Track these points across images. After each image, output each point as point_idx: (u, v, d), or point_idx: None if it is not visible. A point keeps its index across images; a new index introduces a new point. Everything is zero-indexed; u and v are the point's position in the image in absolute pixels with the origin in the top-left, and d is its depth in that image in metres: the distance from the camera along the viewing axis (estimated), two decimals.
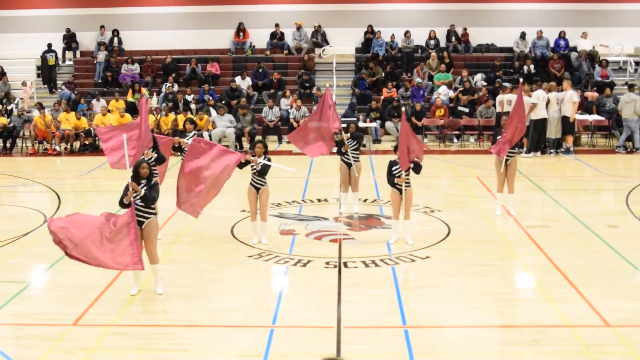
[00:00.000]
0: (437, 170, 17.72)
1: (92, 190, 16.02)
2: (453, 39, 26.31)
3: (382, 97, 23.59)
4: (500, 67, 24.83)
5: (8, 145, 21.79)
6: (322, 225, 12.46)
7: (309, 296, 9.19)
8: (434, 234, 11.89)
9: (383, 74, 24.81)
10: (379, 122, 22.44)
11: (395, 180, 11.06)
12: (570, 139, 19.97)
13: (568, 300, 8.87)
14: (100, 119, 21.53)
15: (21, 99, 24.34)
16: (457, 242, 11.49)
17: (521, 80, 16.96)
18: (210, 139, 20.68)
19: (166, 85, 24.23)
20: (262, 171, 11.13)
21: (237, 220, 12.86)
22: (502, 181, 12.98)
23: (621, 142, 20.22)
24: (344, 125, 13.20)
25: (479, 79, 24.39)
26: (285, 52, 26.68)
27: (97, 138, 21.61)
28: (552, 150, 19.96)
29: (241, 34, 26.88)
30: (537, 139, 19.67)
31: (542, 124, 19.62)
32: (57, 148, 21.26)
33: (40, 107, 21.95)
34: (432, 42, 26.18)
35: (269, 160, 11.21)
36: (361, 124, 21.47)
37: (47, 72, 25.85)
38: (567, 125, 19.80)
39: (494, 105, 21.58)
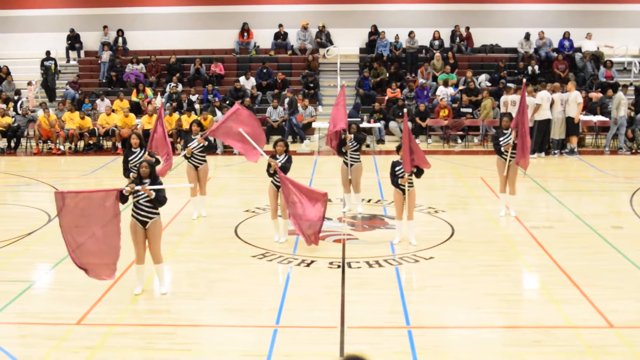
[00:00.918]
0: (441, 170, 17.72)
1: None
2: (457, 39, 26.30)
3: (386, 98, 23.60)
4: (505, 67, 24.80)
5: (12, 144, 21.83)
6: (325, 226, 12.45)
7: (313, 296, 9.19)
8: (437, 235, 11.88)
9: (387, 75, 24.81)
10: (382, 122, 22.45)
11: (399, 180, 11.06)
12: (574, 140, 19.95)
13: (571, 301, 8.86)
14: (105, 119, 21.57)
15: (26, 98, 24.37)
16: (461, 243, 11.48)
17: (524, 80, 16.96)
18: (215, 139, 20.71)
19: (170, 85, 24.25)
20: (285, 168, 11.33)
21: (241, 220, 12.87)
22: (505, 182, 12.98)
23: (621, 143, 20.29)
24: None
25: (483, 79, 24.38)
26: (289, 52, 26.70)
27: (101, 137, 21.68)
28: (556, 151, 19.94)
29: (245, 34, 26.89)
30: (541, 139, 19.65)
31: (546, 124, 19.59)
32: (62, 148, 21.29)
33: (45, 106, 21.99)
34: (437, 42, 26.17)
35: (289, 159, 11.46)
36: (365, 125, 21.51)
37: (48, 81, 25.17)
38: (571, 126, 19.78)
39: (498, 106, 21.58)
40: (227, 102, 22.94)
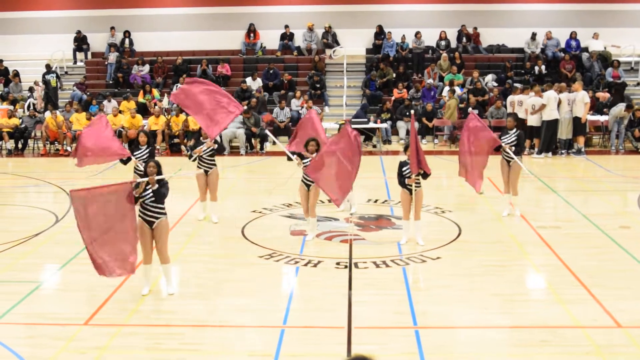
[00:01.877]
0: (448, 170, 17.67)
1: None
2: (464, 39, 26.27)
3: (392, 98, 23.59)
4: (512, 67, 24.77)
5: (20, 145, 21.91)
6: (332, 226, 12.46)
7: (320, 296, 9.19)
8: (444, 235, 11.87)
9: (394, 75, 24.80)
10: (389, 122, 22.45)
11: (406, 180, 11.05)
12: (581, 140, 19.92)
13: (579, 301, 8.83)
14: (112, 120, 21.61)
15: (34, 99, 24.42)
16: (468, 243, 11.46)
17: (471, 110, 16.86)
18: (221, 140, 20.75)
19: (177, 86, 24.26)
20: None
21: (248, 221, 12.88)
22: (508, 182, 12.95)
23: (620, 143, 20.44)
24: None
25: (490, 79, 24.35)
26: (296, 53, 26.71)
27: None
28: (563, 151, 19.90)
29: (252, 35, 26.94)
30: (549, 139, 19.62)
31: (554, 124, 19.56)
32: (69, 149, 21.33)
33: (52, 108, 22.06)
34: (443, 42, 26.15)
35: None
36: (372, 125, 21.55)
37: (50, 94, 24.52)
38: (578, 126, 19.75)
39: (505, 106, 21.57)
40: None
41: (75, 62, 27.26)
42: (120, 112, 22.08)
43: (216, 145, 12.56)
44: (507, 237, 11.87)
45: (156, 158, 10.22)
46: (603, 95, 22.54)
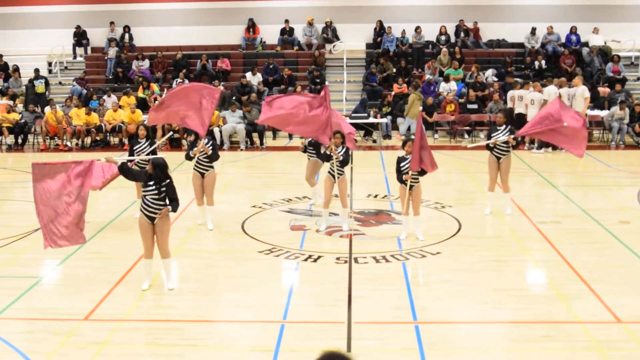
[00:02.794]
0: (448, 166, 17.68)
1: None
2: (462, 34, 26.24)
3: (392, 93, 23.57)
4: (512, 62, 24.74)
5: (20, 141, 21.90)
6: (332, 221, 12.46)
7: (320, 292, 9.20)
8: (444, 230, 11.87)
9: (394, 70, 24.78)
10: (389, 117, 22.44)
11: (403, 177, 11.05)
12: None
13: (579, 297, 8.84)
14: (111, 115, 21.62)
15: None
16: (468, 238, 11.47)
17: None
18: (221, 135, 20.76)
19: (177, 81, 24.25)
20: (345, 161, 11.58)
21: (248, 216, 12.88)
22: (494, 179, 12.81)
23: (621, 138, 20.48)
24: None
25: (490, 74, 24.33)
26: (296, 47, 26.68)
27: (108, 133, 21.76)
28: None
29: (251, 29, 26.90)
30: None
31: None
32: (69, 144, 21.34)
33: (52, 103, 22.04)
34: (443, 37, 26.12)
35: (347, 150, 11.66)
36: (372, 120, 21.54)
37: (33, 100, 23.52)
38: None
39: (505, 102, 21.54)
40: (234, 97, 22.94)
41: (74, 57, 27.23)
42: (120, 107, 22.06)
43: (210, 151, 11.70)
44: (507, 232, 11.88)
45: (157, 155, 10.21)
46: (603, 90, 22.52)
